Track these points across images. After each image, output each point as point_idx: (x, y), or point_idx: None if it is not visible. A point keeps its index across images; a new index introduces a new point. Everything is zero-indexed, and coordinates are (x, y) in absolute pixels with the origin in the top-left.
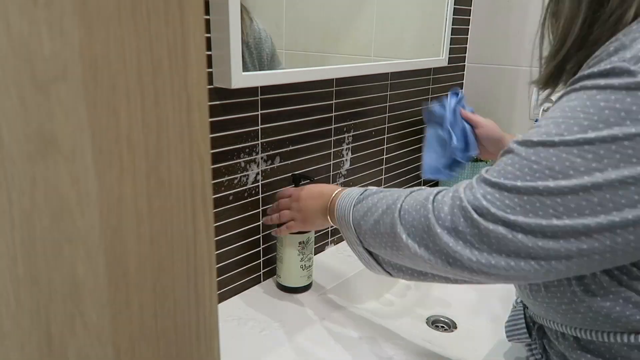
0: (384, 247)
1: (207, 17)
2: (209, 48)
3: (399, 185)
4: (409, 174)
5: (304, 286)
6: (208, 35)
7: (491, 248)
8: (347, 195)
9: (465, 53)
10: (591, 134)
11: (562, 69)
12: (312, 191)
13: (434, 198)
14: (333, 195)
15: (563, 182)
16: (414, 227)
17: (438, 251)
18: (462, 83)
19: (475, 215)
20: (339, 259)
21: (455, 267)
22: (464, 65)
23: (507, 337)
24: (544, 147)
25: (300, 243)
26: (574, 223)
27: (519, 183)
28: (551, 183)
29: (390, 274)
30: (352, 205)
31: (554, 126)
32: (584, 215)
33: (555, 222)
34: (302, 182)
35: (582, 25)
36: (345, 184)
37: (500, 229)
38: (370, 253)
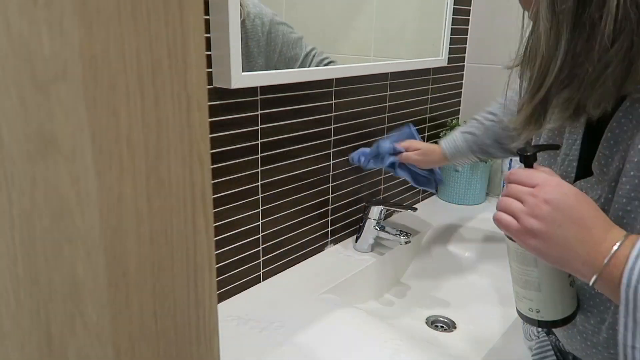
0: None
1: (207, 17)
2: (208, 48)
3: (398, 185)
4: None
5: (574, 312)
6: (208, 35)
7: None
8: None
9: (465, 53)
10: None
11: (545, 108)
12: (573, 208)
13: None
14: (614, 247)
15: None
16: None
17: None
18: (462, 83)
19: None
20: (339, 259)
21: None
22: (464, 65)
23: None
24: None
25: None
26: None
27: None
28: None
29: None
30: None
31: None
32: None
33: None
34: (533, 158)
35: (562, 64)
36: (345, 184)
37: None
38: None
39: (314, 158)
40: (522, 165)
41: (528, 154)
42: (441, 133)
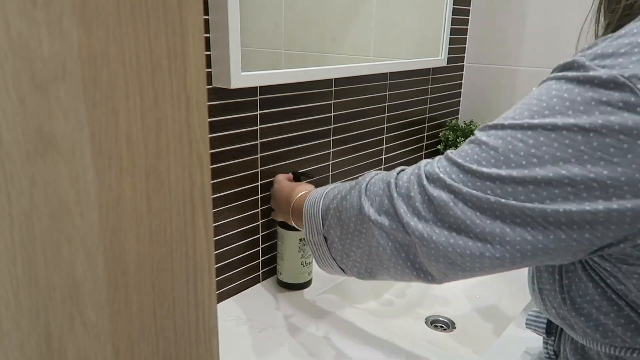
0: (347, 225)
1: (207, 17)
2: (208, 48)
3: None
4: None
5: (304, 282)
6: (207, 35)
7: (436, 217)
8: (318, 190)
9: (464, 53)
10: (535, 120)
11: None
12: (281, 191)
13: (399, 171)
14: (299, 195)
15: (507, 171)
16: (378, 195)
17: (397, 219)
18: (461, 83)
19: (426, 182)
20: None
21: (409, 237)
22: (463, 65)
23: (526, 324)
24: (495, 130)
25: (300, 240)
26: (511, 208)
27: (474, 167)
28: (499, 170)
29: (342, 270)
30: (324, 194)
31: (512, 111)
32: (520, 201)
33: (494, 202)
34: (303, 179)
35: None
36: None
37: (444, 196)
38: (327, 244)
39: (313, 158)
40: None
41: (304, 179)
42: (440, 133)
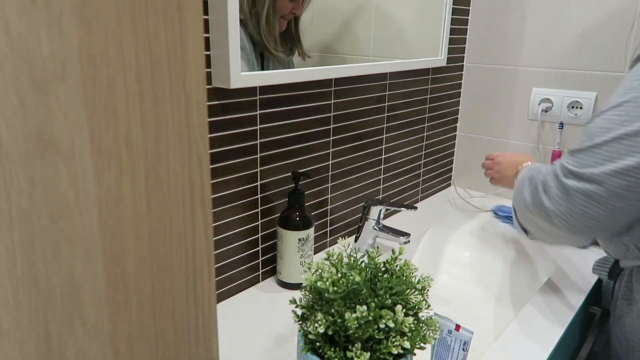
0: (521, 202)
1: (206, 17)
2: (207, 48)
3: (397, 185)
4: (407, 174)
5: None
6: (207, 35)
7: (568, 199)
8: (527, 168)
9: (464, 53)
10: (622, 98)
11: None
12: (511, 160)
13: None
14: (521, 167)
15: (607, 135)
16: (535, 187)
17: (539, 207)
18: (461, 83)
19: (560, 173)
20: None
21: (549, 219)
22: (463, 65)
23: (593, 269)
24: (598, 117)
25: (299, 240)
26: (616, 166)
27: (583, 145)
28: (601, 137)
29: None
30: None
31: (608, 102)
32: (623, 157)
33: (603, 168)
34: (302, 179)
35: None
36: (344, 184)
37: (573, 182)
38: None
39: (313, 158)
40: None
41: (303, 179)
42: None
